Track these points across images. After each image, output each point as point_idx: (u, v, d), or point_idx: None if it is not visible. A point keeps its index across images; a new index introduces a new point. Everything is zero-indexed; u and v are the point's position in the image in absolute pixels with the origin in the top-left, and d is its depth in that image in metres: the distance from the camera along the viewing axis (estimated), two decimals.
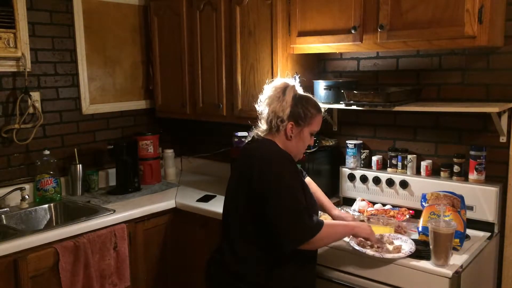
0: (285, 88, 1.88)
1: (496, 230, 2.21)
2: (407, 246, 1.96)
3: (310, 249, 1.83)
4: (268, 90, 1.91)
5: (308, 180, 2.22)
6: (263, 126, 1.91)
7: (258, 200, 1.77)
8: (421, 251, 1.92)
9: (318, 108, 1.93)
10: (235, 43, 2.75)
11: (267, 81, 1.99)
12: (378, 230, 2.13)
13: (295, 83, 1.94)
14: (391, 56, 2.54)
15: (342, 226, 1.94)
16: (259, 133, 1.92)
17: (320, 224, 1.77)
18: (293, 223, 1.74)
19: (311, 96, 1.95)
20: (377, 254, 1.90)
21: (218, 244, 1.98)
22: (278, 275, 1.82)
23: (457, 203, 2.04)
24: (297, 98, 1.87)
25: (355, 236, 1.96)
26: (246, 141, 1.99)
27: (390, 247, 1.95)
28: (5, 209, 2.59)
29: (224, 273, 1.88)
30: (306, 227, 1.75)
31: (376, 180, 2.52)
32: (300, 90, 1.94)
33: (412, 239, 2.02)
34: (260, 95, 1.94)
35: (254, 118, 1.99)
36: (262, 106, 1.91)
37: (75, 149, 2.95)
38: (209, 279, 1.98)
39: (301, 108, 1.86)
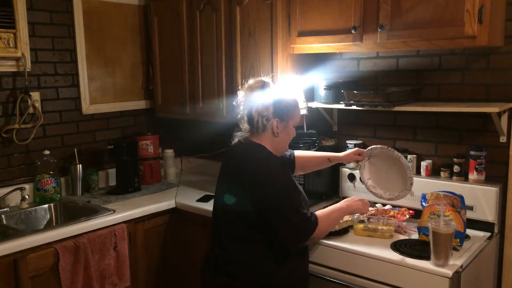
0: (262, 87, 1.91)
1: (496, 230, 2.21)
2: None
3: (313, 241, 1.99)
4: (245, 91, 1.93)
5: (299, 152, 2.27)
6: (246, 127, 1.94)
7: (254, 205, 1.79)
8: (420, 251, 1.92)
9: (296, 100, 1.99)
10: (235, 43, 2.75)
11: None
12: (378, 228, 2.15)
13: (269, 80, 1.97)
14: (391, 56, 2.54)
15: (336, 211, 1.99)
16: (245, 135, 1.95)
17: (315, 218, 1.84)
18: (293, 225, 1.79)
19: (287, 90, 1.97)
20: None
21: (210, 246, 1.99)
22: (272, 271, 1.85)
23: (457, 203, 2.04)
24: (276, 95, 1.91)
25: (352, 213, 2.07)
26: (232, 143, 2.00)
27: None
28: (5, 209, 2.59)
29: (219, 273, 1.89)
30: (305, 227, 1.81)
31: None
32: (276, 86, 1.98)
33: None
34: (237, 97, 1.97)
35: None
36: (242, 108, 1.94)
37: (75, 149, 2.96)
38: (203, 281, 1.99)
39: (282, 103, 1.90)
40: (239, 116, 1.97)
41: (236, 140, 1.98)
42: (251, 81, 1.95)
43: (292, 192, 1.85)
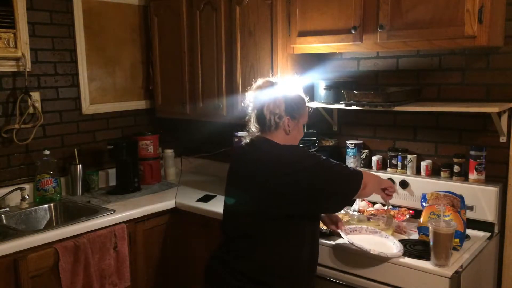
0: (271, 86, 1.91)
1: (496, 230, 2.21)
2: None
3: (363, 194, 1.92)
4: (255, 91, 1.93)
5: None
6: (255, 127, 1.93)
7: (296, 191, 1.77)
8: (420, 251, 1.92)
9: (305, 99, 1.98)
10: (235, 43, 2.75)
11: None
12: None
13: (277, 80, 1.96)
14: (391, 56, 2.54)
15: (373, 175, 2.00)
16: (256, 134, 1.93)
17: (359, 170, 1.90)
18: (347, 174, 1.84)
19: (296, 88, 1.97)
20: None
21: (226, 249, 1.94)
22: (299, 260, 1.86)
23: (457, 203, 2.04)
24: (286, 93, 1.90)
25: (382, 186, 2.03)
26: (243, 142, 1.98)
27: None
28: (5, 209, 2.60)
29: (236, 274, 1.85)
30: (355, 176, 1.85)
31: None
32: (284, 85, 1.97)
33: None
34: (245, 98, 1.96)
35: None
36: (251, 109, 1.94)
37: (75, 149, 2.96)
38: (213, 277, 1.94)
39: (292, 101, 1.90)
40: (247, 117, 1.96)
41: (247, 140, 1.95)
42: (259, 81, 1.95)
43: (328, 160, 1.86)
